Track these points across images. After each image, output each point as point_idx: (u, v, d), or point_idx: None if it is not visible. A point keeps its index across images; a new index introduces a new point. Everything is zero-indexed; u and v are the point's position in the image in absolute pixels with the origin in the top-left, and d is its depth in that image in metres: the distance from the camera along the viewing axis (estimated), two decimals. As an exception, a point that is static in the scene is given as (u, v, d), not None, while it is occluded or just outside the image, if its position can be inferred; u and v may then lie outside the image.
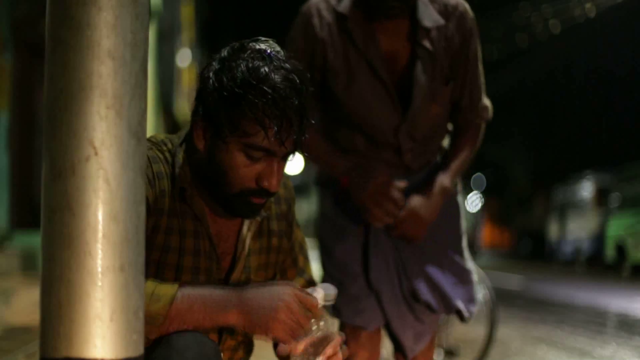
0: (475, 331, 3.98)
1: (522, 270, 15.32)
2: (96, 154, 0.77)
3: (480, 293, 4.03)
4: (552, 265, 19.13)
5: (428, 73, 1.87)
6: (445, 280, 1.95)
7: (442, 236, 1.99)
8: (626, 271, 13.78)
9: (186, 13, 16.26)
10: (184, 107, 15.91)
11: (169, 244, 1.30)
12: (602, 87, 26.52)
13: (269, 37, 1.32)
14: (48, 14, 0.79)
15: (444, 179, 1.93)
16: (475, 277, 2.04)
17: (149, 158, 1.29)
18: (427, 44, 1.85)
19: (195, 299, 1.17)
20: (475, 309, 1.99)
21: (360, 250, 1.94)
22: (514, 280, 11.79)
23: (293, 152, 1.28)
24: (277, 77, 1.21)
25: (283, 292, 1.20)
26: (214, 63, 1.26)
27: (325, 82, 1.90)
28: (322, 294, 1.30)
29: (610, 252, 14.97)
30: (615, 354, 4.55)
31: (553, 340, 5.12)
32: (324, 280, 1.92)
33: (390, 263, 1.94)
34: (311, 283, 1.57)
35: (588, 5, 15.68)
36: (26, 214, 6.25)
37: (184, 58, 16.12)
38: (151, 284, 1.16)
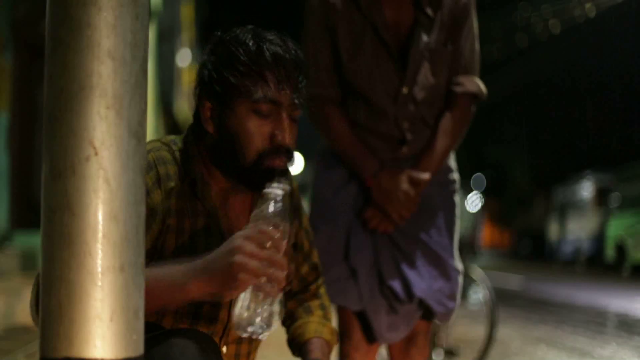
0: (475, 331, 3.98)
1: (522, 270, 15.32)
2: (96, 154, 0.77)
3: (480, 293, 4.03)
4: (552, 265, 19.13)
5: (427, 35, 1.93)
6: (414, 270, 1.95)
7: (431, 229, 2.00)
8: (626, 271, 13.78)
9: (186, 13, 16.26)
10: (184, 107, 15.90)
11: (180, 244, 1.30)
12: (602, 87, 26.51)
13: None
14: (48, 14, 0.79)
15: (424, 161, 1.97)
16: (461, 278, 2.04)
17: (156, 159, 1.30)
18: (429, 10, 1.93)
19: (153, 281, 1.09)
20: (453, 306, 1.98)
21: (345, 235, 1.98)
22: (514, 280, 11.79)
23: (298, 105, 1.30)
24: (267, 36, 1.30)
25: (231, 243, 1.13)
26: (206, 53, 1.34)
27: (337, 51, 1.96)
28: (275, 185, 1.19)
29: (610, 252, 14.97)
30: (615, 354, 4.55)
31: (553, 340, 5.12)
32: None
33: (367, 245, 1.96)
34: (315, 269, 1.59)
35: (588, 5, 15.69)
36: (26, 214, 6.24)
37: (184, 58, 16.12)
38: None
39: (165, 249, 1.29)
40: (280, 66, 1.27)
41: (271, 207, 1.17)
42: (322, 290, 1.62)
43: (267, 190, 1.19)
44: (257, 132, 1.27)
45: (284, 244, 1.15)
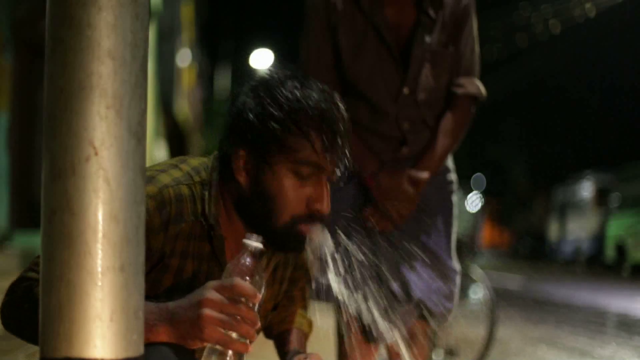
0: (475, 331, 3.98)
1: (522, 270, 15.32)
2: (96, 154, 0.77)
3: (480, 293, 4.03)
4: (552, 265, 19.13)
5: (428, 36, 1.95)
6: (413, 270, 1.96)
7: (430, 229, 2.00)
8: (626, 271, 13.78)
9: (186, 13, 16.27)
10: (184, 107, 15.91)
11: (176, 283, 1.24)
12: (602, 87, 26.53)
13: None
14: (48, 14, 0.79)
15: (424, 161, 1.97)
16: (458, 278, 2.04)
17: (174, 197, 1.21)
18: (430, 11, 1.94)
19: None
20: (451, 306, 1.99)
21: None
22: (514, 280, 11.79)
23: (339, 169, 1.23)
24: (314, 93, 1.21)
25: (200, 294, 1.08)
26: (243, 92, 1.24)
27: (338, 51, 1.96)
28: (255, 238, 1.13)
29: (610, 252, 14.97)
30: (615, 354, 4.55)
31: (553, 340, 5.12)
32: None
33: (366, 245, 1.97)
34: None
35: (588, 5, 15.68)
36: (26, 214, 6.24)
37: (184, 58, 16.13)
38: None
39: (161, 285, 1.24)
40: (328, 127, 1.18)
41: (248, 259, 1.11)
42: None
43: (246, 241, 1.12)
44: (295, 196, 1.20)
45: (258, 297, 1.09)
